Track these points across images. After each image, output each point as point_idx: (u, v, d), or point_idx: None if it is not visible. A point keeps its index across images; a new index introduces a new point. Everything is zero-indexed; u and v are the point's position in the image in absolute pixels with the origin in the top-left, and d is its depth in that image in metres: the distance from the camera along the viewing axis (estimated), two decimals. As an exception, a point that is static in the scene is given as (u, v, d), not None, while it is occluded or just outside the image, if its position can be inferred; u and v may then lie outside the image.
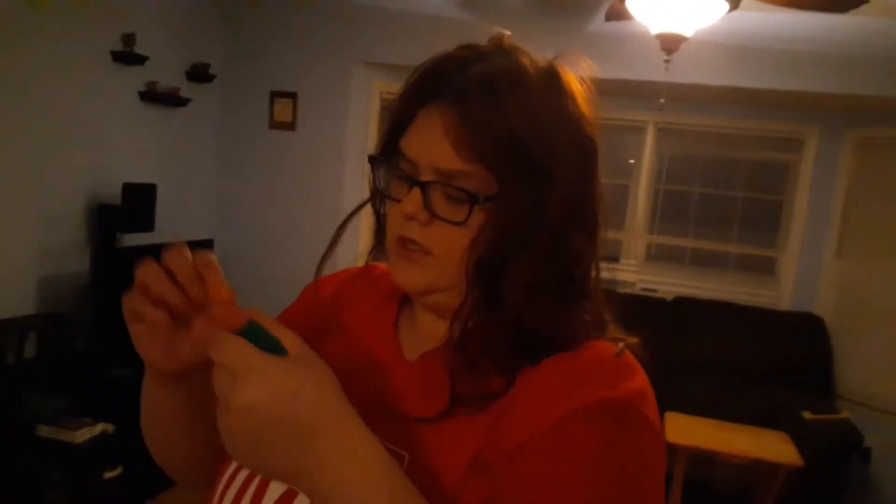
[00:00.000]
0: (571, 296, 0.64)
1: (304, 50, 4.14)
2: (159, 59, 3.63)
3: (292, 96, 4.18)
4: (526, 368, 0.61)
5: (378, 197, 0.71)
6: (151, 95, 3.65)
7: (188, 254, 0.58)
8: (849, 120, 4.07)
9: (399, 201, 0.64)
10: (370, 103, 4.22)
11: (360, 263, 0.82)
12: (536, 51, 0.66)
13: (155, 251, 0.60)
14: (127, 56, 3.42)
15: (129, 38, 3.41)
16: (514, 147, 0.60)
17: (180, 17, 3.88)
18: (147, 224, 3.47)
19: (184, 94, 3.86)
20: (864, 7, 2.35)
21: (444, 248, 0.63)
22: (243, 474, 0.66)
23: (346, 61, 4.10)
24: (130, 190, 3.40)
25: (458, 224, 0.61)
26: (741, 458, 3.06)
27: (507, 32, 0.68)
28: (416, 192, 0.62)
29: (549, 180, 0.61)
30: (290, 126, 4.20)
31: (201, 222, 4.24)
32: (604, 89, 0.67)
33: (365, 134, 4.23)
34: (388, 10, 3.99)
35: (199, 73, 3.98)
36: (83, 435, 2.89)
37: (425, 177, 0.62)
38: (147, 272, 0.58)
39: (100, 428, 2.95)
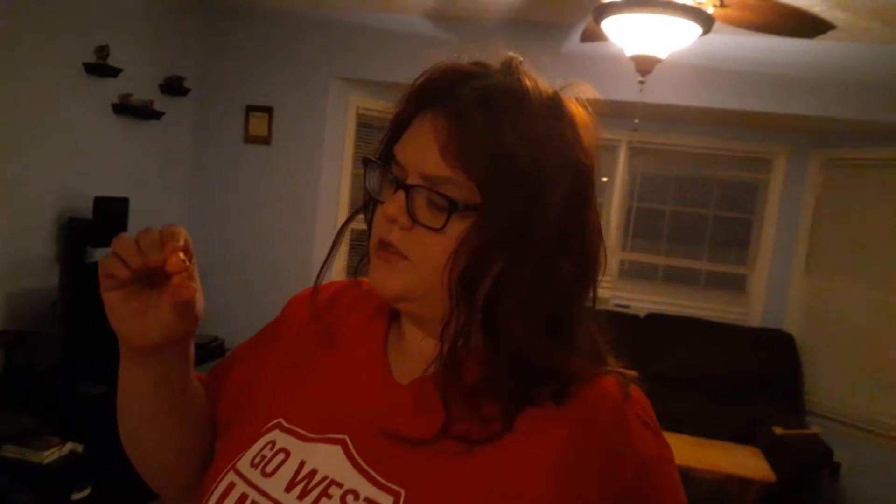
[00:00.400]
0: (563, 325, 0.63)
1: (280, 64, 4.12)
2: (133, 72, 3.59)
3: (268, 111, 4.16)
4: (529, 409, 0.60)
5: (369, 203, 0.71)
6: (125, 108, 3.60)
7: (157, 230, 0.62)
8: (816, 141, 4.19)
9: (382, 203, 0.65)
10: (347, 119, 4.22)
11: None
12: (540, 77, 0.66)
13: None
14: (100, 68, 3.38)
15: (102, 50, 3.37)
16: (502, 161, 0.60)
17: (154, 29, 3.85)
18: (119, 238, 3.40)
19: (158, 107, 3.82)
20: (830, 32, 2.43)
21: (420, 254, 0.62)
22: (237, 491, 0.63)
23: (323, 76, 4.10)
24: (102, 204, 3.34)
25: (435, 230, 0.61)
26: (714, 473, 3.09)
27: (518, 57, 0.68)
28: (401, 195, 0.62)
29: (538, 200, 0.61)
30: (266, 140, 4.18)
31: (174, 237, 4.16)
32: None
33: (341, 149, 4.23)
34: (365, 27, 4.00)
35: (173, 86, 3.95)
36: (51, 455, 2.82)
37: (412, 181, 0.62)
38: (118, 241, 0.61)
39: (68, 447, 2.88)
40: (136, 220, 3.56)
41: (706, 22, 2.12)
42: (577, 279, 0.64)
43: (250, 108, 4.18)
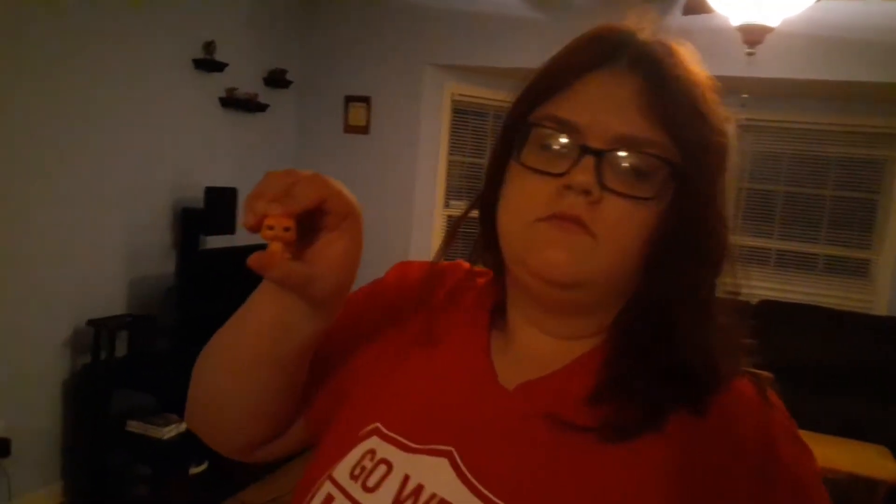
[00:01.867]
0: (713, 314, 0.57)
1: (376, 54, 4.17)
2: (238, 66, 3.72)
3: (366, 100, 4.22)
4: (680, 411, 0.53)
5: (488, 187, 0.63)
6: (231, 101, 3.74)
7: (283, 178, 0.55)
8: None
9: (550, 175, 0.55)
10: (442, 105, 4.22)
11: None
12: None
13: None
14: (207, 63, 3.51)
15: (209, 46, 3.51)
16: (703, 124, 0.55)
17: (258, 24, 3.98)
18: (229, 227, 3.54)
19: (262, 99, 3.94)
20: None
21: (612, 231, 0.54)
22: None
23: (417, 64, 4.11)
24: (212, 194, 3.48)
25: (643, 199, 0.54)
26: (837, 472, 2.90)
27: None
28: (590, 161, 0.54)
29: (722, 167, 0.57)
30: (364, 130, 4.24)
31: (279, 225, 4.30)
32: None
33: (437, 136, 4.24)
34: (456, 11, 3.97)
35: (276, 79, 4.06)
36: (170, 431, 3.00)
37: (597, 144, 0.54)
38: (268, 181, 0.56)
39: (185, 425, 3.02)
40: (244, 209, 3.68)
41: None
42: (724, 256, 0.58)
43: (349, 99, 4.25)
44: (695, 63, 0.58)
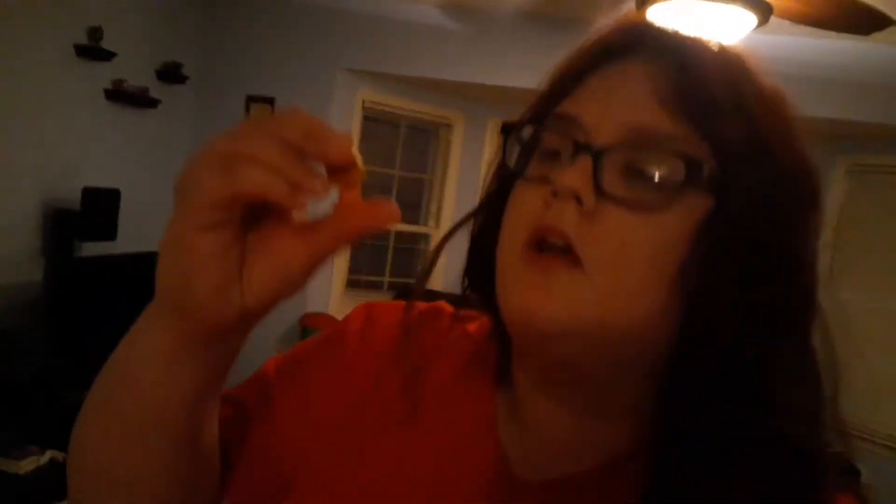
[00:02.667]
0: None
1: (283, 54, 3.92)
2: (128, 57, 3.38)
3: (270, 102, 3.95)
4: None
5: (490, 199, 0.51)
6: (118, 94, 3.38)
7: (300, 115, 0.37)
8: (841, 147, 4.02)
9: (539, 181, 0.44)
10: (353, 112, 4.02)
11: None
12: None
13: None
14: (92, 51, 3.16)
15: (95, 32, 3.16)
16: (743, 118, 0.42)
17: (151, 12, 3.64)
18: (109, 232, 3.21)
19: (153, 94, 3.60)
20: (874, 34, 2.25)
21: (609, 256, 0.40)
22: None
23: (328, 68, 3.89)
24: (91, 195, 3.13)
25: (653, 211, 0.40)
26: None
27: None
28: (586, 160, 0.41)
29: (781, 175, 0.42)
30: (267, 133, 3.97)
31: (167, 232, 3.97)
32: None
33: (345, 144, 4.03)
34: (373, 17, 3.80)
35: (170, 73, 3.73)
36: (29, 464, 2.64)
37: (602, 140, 0.42)
38: (255, 131, 0.36)
39: (48, 456, 2.69)
40: (128, 213, 3.36)
41: (764, 12, 1.94)
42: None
43: (251, 99, 3.97)
44: (746, 62, 0.46)
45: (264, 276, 0.38)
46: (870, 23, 2.15)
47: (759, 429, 0.40)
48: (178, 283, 0.38)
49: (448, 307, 0.59)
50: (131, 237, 3.39)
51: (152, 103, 3.62)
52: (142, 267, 3.28)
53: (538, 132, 0.47)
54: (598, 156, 0.41)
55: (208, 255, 0.37)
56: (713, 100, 0.42)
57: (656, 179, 0.41)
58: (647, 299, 0.41)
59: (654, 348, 0.43)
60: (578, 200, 0.41)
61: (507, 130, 0.48)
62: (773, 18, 2.07)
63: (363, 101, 4.02)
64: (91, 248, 3.18)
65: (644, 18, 0.50)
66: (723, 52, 0.46)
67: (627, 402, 0.46)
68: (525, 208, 0.44)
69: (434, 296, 0.57)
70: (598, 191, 0.41)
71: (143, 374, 0.42)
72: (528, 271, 0.42)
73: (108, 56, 3.23)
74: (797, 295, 0.43)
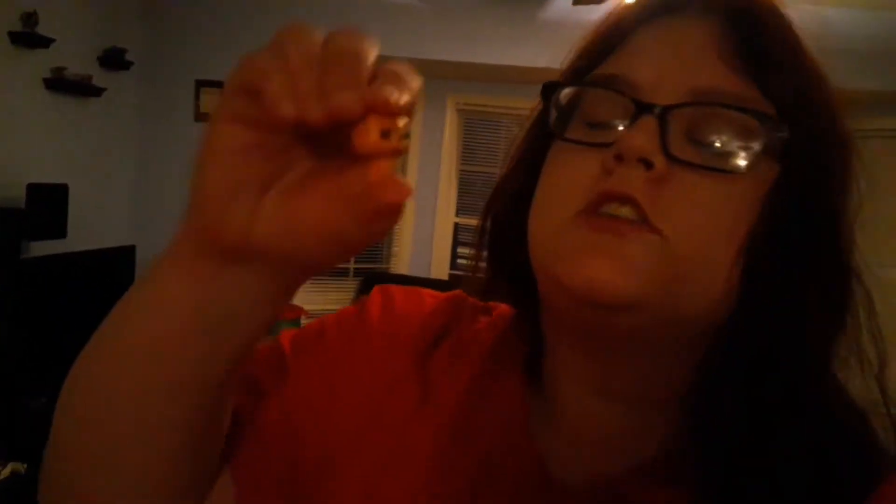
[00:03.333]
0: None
1: (232, 36, 3.77)
2: (67, 43, 3.20)
3: (220, 86, 3.78)
4: None
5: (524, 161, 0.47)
6: (59, 83, 3.21)
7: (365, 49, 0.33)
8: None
9: (595, 146, 0.40)
10: (308, 94, 3.91)
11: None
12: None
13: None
14: (28, 38, 2.98)
15: (29, 18, 2.97)
16: (809, 79, 0.41)
17: (90, -4, 3.46)
18: (58, 230, 3.07)
19: (97, 82, 3.43)
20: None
21: (688, 222, 0.38)
22: None
23: (280, 48, 3.77)
24: (37, 191, 2.98)
25: (730, 175, 0.38)
26: None
27: None
28: (650, 121, 0.38)
29: (847, 163, 0.41)
30: (219, 119, 3.84)
31: (121, 227, 3.81)
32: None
33: (302, 127, 3.92)
34: (327, -6, 3.69)
35: (113, 60, 3.56)
36: (-14, 479, 2.52)
37: (664, 101, 0.39)
38: (295, 39, 0.33)
39: (9, 469, 2.56)
40: (77, 209, 3.22)
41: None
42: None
43: (201, 84, 3.83)
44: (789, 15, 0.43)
45: (278, 213, 0.34)
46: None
47: (815, 413, 0.39)
48: (195, 174, 0.35)
49: (467, 297, 0.55)
50: (82, 234, 3.25)
51: (96, 92, 3.46)
52: (95, 265, 3.15)
53: (582, 92, 0.44)
54: (664, 116, 0.38)
55: (224, 148, 0.34)
56: (777, 58, 0.40)
57: (727, 142, 0.39)
58: (721, 268, 0.38)
59: (711, 325, 0.40)
60: (647, 164, 0.38)
61: (549, 90, 0.44)
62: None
63: (319, 82, 3.91)
64: (39, 248, 3.03)
65: None
66: (772, 5, 0.43)
67: (670, 390, 0.43)
68: (577, 173, 0.40)
69: (403, 281, 0.53)
70: (667, 154, 0.38)
71: (177, 327, 0.36)
72: (593, 235, 0.38)
73: (45, 42, 3.05)
74: (849, 267, 0.41)
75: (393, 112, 0.31)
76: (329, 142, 0.33)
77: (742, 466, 0.39)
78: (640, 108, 0.39)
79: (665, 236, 0.37)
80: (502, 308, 0.53)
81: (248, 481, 0.46)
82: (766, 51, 0.40)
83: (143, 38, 3.80)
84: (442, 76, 3.95)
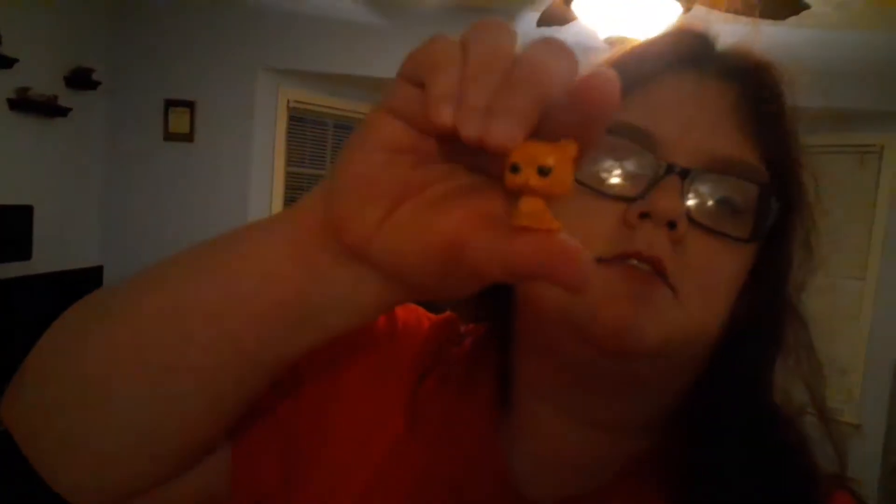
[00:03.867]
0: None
1: (201, 55, 3.76)
2: (32, 62, 3.17)
3: (190, 105, 3.79)
4: None
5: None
6: (23, 104, 3.17)
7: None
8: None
9: (619, 198, 0.42)
10: (277, 112, 3.90)
11: None
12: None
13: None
14: (-8, 58, 2.95)
15: (-6, 38, 2.95)
16: (797, 151, 0.45)
17: (56, 14, 3.43)
18: (23, 252, 3.02)
19: (63, 102, 3.39)
20: (790, 19, 2.33)
21: (700, 287, 0.41)
22: None
23: (249, 67, 3.76)
24: (1, 213, 2.93)
25: (739, 242, 0.42)
26: None
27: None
28: (675, 182, 0.40)
29: (805, 204, 0.46)
30: (188, 137, 3.81)
31: (89, 248, 3.76)
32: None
33: (272, 146, 3.91)
34: (294, 15, 3.69)
35: (80, 79, 3.52)
36: (-51, 507, 2.44)
37: (687, 163, 0.41)
38: (443, 56, 0.29)
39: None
40: (43, 230, 3.17)
41: (687, 0, 1.97)
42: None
43: (170, 103, 3.79)
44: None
45: (407, 229, 0.31)
46: (788, 8, 2.21)
47: (773, 438, 0.44)
48: (342, 159, 0.32)
49: (455, 319, 0.55)
50: (48, 256, 3.21)
51: (62, 112, 3.41)
52: (62, 286, 3.10)
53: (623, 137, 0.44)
54: (688, 180, 0.41)
55: (378, 142, 0.31)
56: (780, 132, 0.44)
57: (737, 211, 0.42)
58: (720, 320, 0.43)
59: (698, 362, 0.45)
60: (671, 226, 0.40)
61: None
62: (697, 6, 2.10)
63: (288, 101, 3.91)
64: (4, 270, 2.97)
65: (704, 29, 0.49)
66: (780, 73, 0.46)
67: (647, 418, 0.46)
68: (595, 221, 0.42)
69: None
70: (689, 217, 0.41)
71: (273, 262, 0.34)
72: (624, 276, 0.40)
73: (8, 63, 3.01)
74: (800, 290, 0.48)
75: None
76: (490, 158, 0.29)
77: (714, 476, 0.42)
78: (668, 169, 0.41)
79: (680, 296, 0.40)
80: (474, 329, 0.54)
81: (245, 469, 0.46)
82: (773, 125, 0.44)
83: (110, 57, 3.76)
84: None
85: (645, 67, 0.45)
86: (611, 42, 2.08)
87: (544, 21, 2.58)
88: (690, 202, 0.41)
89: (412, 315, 0.55)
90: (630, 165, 0.42)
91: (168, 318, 0.35)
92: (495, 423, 0.48)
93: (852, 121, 3.69)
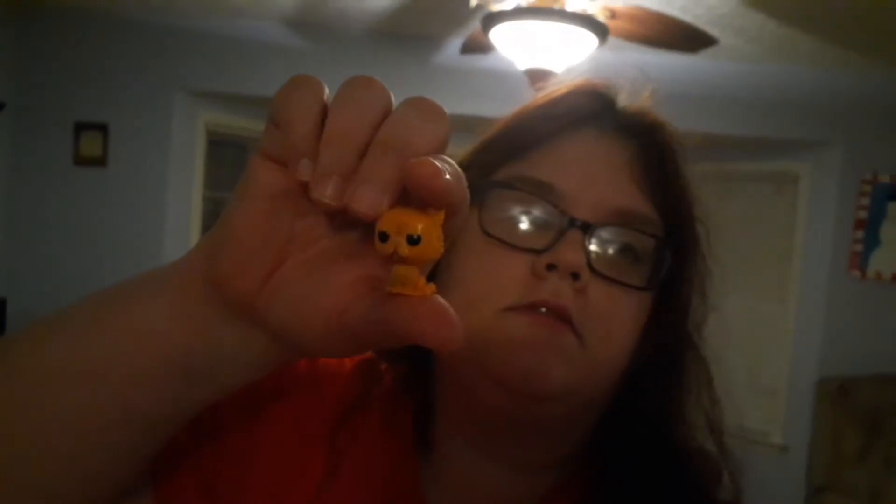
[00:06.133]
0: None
1: (114, 76, 3.61)
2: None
3: (102, 128, 3.62)
4: None
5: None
6: (-86, 127, 2.97)
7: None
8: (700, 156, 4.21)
9: (526, 250, 0.45)
10: (195, 136, 3.77)
11: None
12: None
13: None
14: None
15: None
16: (690, 203, 0.49)
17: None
18: None
19: (-40, 125, 3.20)
20: (708, 51, 2.37)
21: (602, 333, 0.44)
22: None
23: (166, 89, 3.63)
24: None
25: (637, 290, 0.45)
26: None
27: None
28: (577, 236, 0.44)
29: (698, 250, 0.50)
30: (101, 162, 3.63)
31: (-12, 279, 3.54)
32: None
33: (190, 171, 3.77)
34: (213, 36, 3.59)
35: (-19, 101, 3.33)
36: None
37: (588, 217, 0.45)
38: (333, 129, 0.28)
39: None
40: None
41: (601, 32, 1.97)
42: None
43: (80, 126, 3.62)
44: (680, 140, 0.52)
45: (292, 287, 0.31)
46: (697, 42, 2.25)
47: (674, 449, 0.49)
48: (229, 210, 0.31)
49: (375, 360, 0.55)
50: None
51: (-40, 135, 3.21)
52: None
53: (501, 190, 0.47)
54: (588, 232, 0.44)
55: (260, 189, 0.30)
56: (673, 187, 0.48)
57: (636, 260, 0.45)
58: (622, 363, 0.46)
59: (604, 403, 0.48)
60: (575, 276, 0.43)
61: (480, 187, 0.46)
62: (611, 38, 2.10)
63: (206, 125, 3.78)
64: None
65: (605, 85, 0.52)
66: (672, 130, 0.50)
67: (563, 453, 0.50)
68: (506, 272, 0.45)
69: None
70: (591, 268, 0.44)
71: (155, 320, 0.33)
72: (533, 324, 0.43)
73: None
74: (694, 336, 0.51)
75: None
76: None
77: (625, 494, 0.46)
78: (571, 223, 0.44)
79: (584, 341, 0.43)
80: (393, 371, 0.55)
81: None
82: (667, 180, 0.48)
83: (14, 77, 3.57)
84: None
85: (549, 124, 0.48)
86: (531, 73, 2.06)
87: (468, 49, 2.56)
88: (592, 252, 0.44)
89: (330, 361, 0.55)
90: (537, 219, 0.46)
91: (53, 377, 0.34)
92: (417, 463, 0.49)
93: (770, 149, 3.79)
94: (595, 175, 0.46)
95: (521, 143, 0.48)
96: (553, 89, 0.52)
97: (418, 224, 0.26)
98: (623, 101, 0.52)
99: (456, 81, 3.27)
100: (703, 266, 0.51)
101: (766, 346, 3.94)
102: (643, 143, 0.48)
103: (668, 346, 0.48)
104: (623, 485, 0.47)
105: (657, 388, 0.48)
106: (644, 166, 0.47)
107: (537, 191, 0.46)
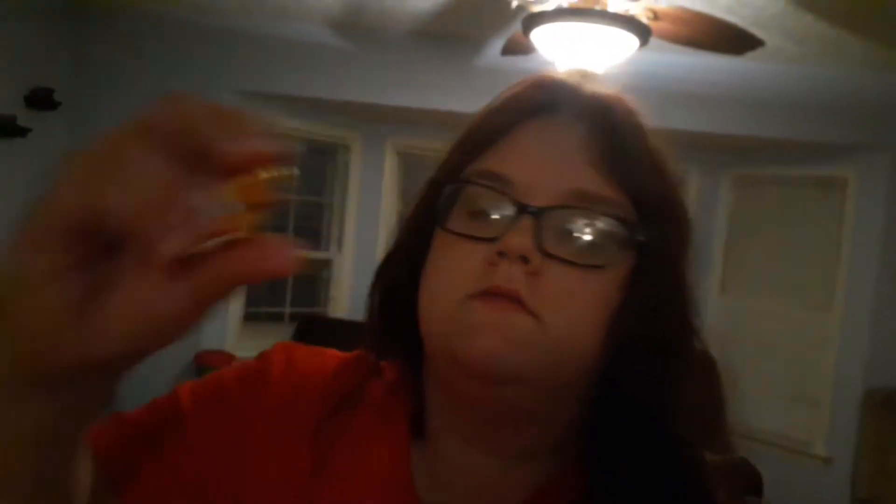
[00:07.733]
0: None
1: (166, 78, 3.72)
2: (-11, 82, 3.12)
3: (154, 127, 3.74)
4: None
5: (412, 241, 0.52)
6: (-21, 124, 3.12)
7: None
8: (726, 160, 4.17)
9: (479, 240, 0.46)
10: (244, 136, 3.86)
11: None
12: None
13: None
14: (-53, 77, 2.90)
15: (-51, 57, 2.90)
16: (658, 178, 0.48)
17: (15, 33, 3.38)
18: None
19: (21, 122, 3.33)
20: (753, 53, 2.34)
21: (559, 313, 0.44)
22: None
23: (217, 90, 3.71)
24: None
25: (592, 268, 0.45)
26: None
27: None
28: (527, 221, 0.45)
29: (687, 239, 0.50)
30: (152, 160, 3.75)
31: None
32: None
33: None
34: (262, 37, 3.68)
35: (40, 99, 3.46)
36: None
37: (540, 202, 0.46)
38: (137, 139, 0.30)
39: None
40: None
41: (644, 33, 1.97)
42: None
43: (133, 125, 3.74)
44: (646, 117, 0.52)
45: (121, 319, 0.29)
46: (743, 43, 2.23)
47: (668, 438, 0.47)
48: (7, 307, 0.30)
49: (368, 357, 0.57)
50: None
51: (21, 132, 3.35)
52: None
53: (463, 187, 0.49)
54: (539, 217, 0.45)
55: (38, 282, 0.29)
56: (636, 163, 0.47)
57: (594, 239, 0.46)
58: (590, 343, 0.45)
59: (588, 384, 0.47)
60: (525, 260, 0.44)
61: (437, 184, 0.50)
62: (654, 39, 2.10)
63: (257, 124, 3.86)
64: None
65: (559, 77, 0.53)
66: (629, 108, 0.50)
67: (552, 439, 0.49)
68: (465, 263, 0.46)
69: (340, 324, 0.55)
70: (542, 251, 0.44)
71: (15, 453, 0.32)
72: (483, 308, 0.44)
73: (-35, 83, 2.97)
74: (690, 320, 0.50)
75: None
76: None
77: (617, 487, 0.46)
78: (520, 209, 0.45)
79: (543, 322, 0.44)
80: (392, 366, 0.57)
81: None
82: (623, 155, 0.47)
83: (71, 77, 3.71)
84: (375, 119, 3.96)
85: (504, 118, 0.50)
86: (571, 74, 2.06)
87: (508, 50, 2.58)
88: (546, 236, 0.45)
89: (315, 357, 0.57)
90: (492, 210, 0.47)
91: None
92: (409, 456, 0.50)
93: (817, 154, 3.72)
94: (545, 161, 0.47)
95: (481, 140, 0.50)
96: (512, 85, 0.53)
97: (228, 194, 0.29)
98: (579, 88, 0.52)
99: (497, 82, 3.27)
100: (686, 242, 0.50)
101: (810, 355, 3.87)
102: (596, 123, 0.48)
103: (653, 327, 0.46)
104: (615, 475, 0.46)
105: (643, 373, 0.46)
106: (601, 148, 0.47)
107: (492, 183, 0.47)
